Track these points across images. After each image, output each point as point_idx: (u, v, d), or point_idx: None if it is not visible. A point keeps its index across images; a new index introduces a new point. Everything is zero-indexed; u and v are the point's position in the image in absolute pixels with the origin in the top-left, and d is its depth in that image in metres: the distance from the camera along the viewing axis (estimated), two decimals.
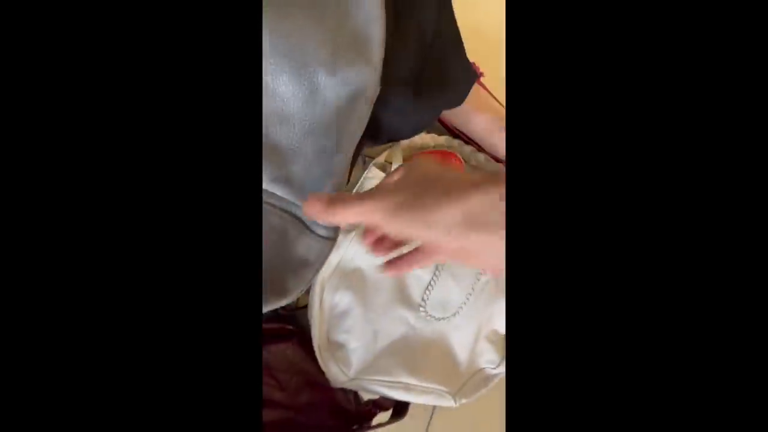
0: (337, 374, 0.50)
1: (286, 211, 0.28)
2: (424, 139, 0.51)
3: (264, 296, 0.29)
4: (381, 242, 0.29)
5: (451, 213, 0.21)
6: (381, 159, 0.47)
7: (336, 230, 0.31)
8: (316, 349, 0.49)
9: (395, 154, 0.47)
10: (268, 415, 0.51)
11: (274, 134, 0.25)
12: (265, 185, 0.27)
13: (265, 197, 0.28)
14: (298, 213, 0.29)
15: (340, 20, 0.23)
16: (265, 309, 0.29)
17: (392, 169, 0.46)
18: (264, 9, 0.22)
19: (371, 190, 0.24)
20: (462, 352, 0.53)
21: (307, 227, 0.30)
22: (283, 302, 0.29)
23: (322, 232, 0.30)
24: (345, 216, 0.24)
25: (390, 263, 0.29)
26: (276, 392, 0.52)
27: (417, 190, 0.22)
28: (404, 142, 0.50)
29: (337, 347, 0.50)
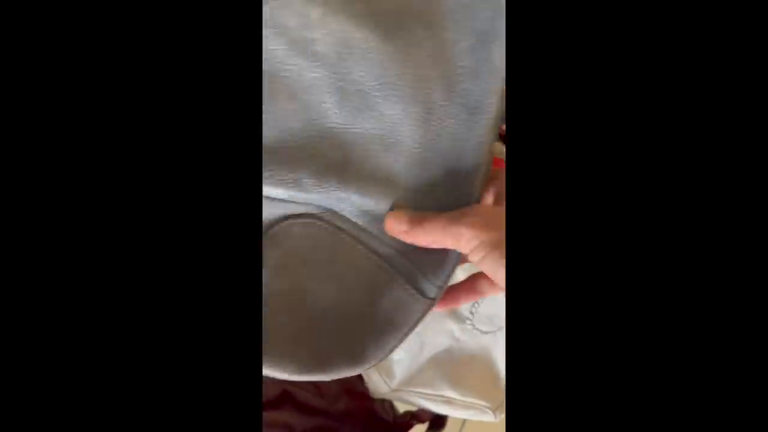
0: (380, 385, 0.49)
1: (378, 254, 0.24)
2: (496, 146, 0.50)
3: (330, 355, 0.24)
4: (454, 294, 0.27)
5: None
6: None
7: (442, 289, 0.25)
8: None
9: None
10: (306, 421, 0.51)
11: (375, 162, 0.23)
12: (355, 217, 0.24)
13: (354, 232, 0.24)
14: (393, 258, 0.24)
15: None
16: (328, 376, 0.24)
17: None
18: (373, 26, 0.21)
19: (464, 212, 0.23)
20: (504, 367, 0.52)
21: (402, 277, 0.25)
22: (356, 371, 0.24)
23: (427, 288, 0.25)
24: (428, 240, 0.23)
25: (446, 296, 0.26)
26: (314, 399, 0.52)
27: None
28: None
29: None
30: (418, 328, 0.41)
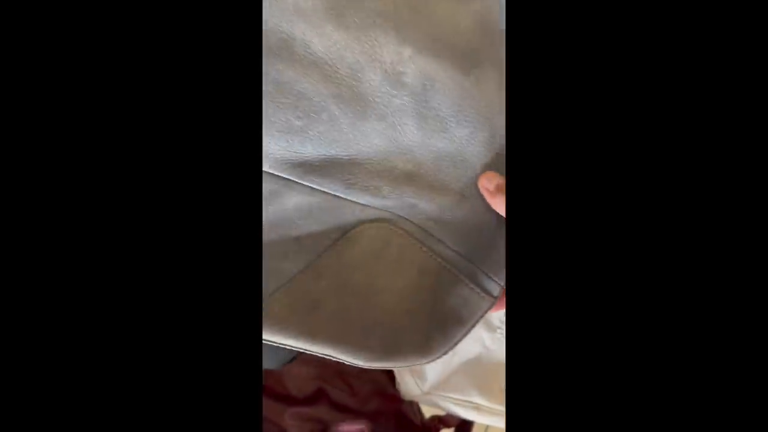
0: (412, 387, 0.52)
1: (442, 257, 0.27)
2: None
3: (399, 346, 0.26)
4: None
5: None
6: None
7: (503, 288, 0.28)
8: None
9: None
10: (337, 418, 0.54)
11: (445, 175, 0.26)
12: (422, 222, 0.27)
13: (421, 236, 0.27)
14: (456, 260, 0.27)
15: None
16: (398, 364, 0.27)
17: None
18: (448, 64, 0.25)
19: None
20: None
21: (467, 277, 0.28)
22: (423, 361, 0.27)
23: (491, 286, 0.28)
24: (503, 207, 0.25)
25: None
26: (347, 398, 0.55)
27: None
28: None
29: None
30: None
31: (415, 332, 0.27)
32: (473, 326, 0.28)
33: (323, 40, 0.23)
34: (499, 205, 0.26)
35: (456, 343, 0.27)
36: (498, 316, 0.51)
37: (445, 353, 0.27)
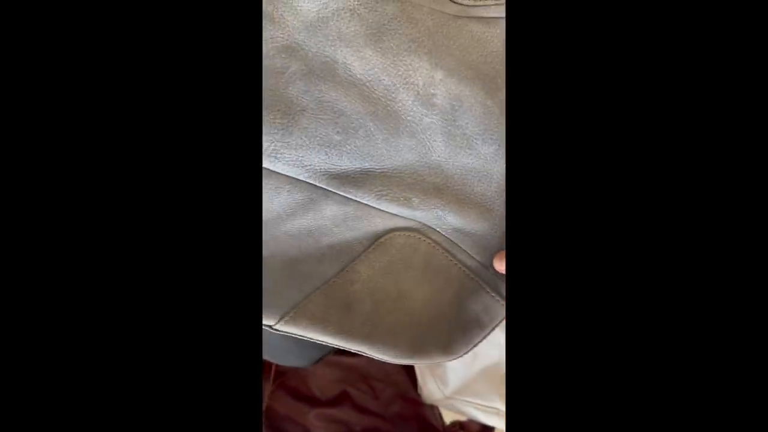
0: (434, 391, 0.54)
1: (466, 266, 0.30)
2: None
3: (425, 345, 0.29)
4: None
5: None
6: None
7: None
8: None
9: None
10: (361, 420, 0.56)
11: (470, 189, 0.29)
12: (449, 233, 0.29)
13: (447, 245, 0.29)
14: (479, 270, 0.30)
15: None
16: (424, 362, 0.30)
17: None
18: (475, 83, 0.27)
19: None
20: None
21: (488, 285, 0.30)
22: (446, 360, 0.30)
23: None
24: None
25: None
26: (370, 401, 0.57)
27: None
28: None
29: (437, 364, 0.54)
30: None
31: (439, 334, 0.30)
32: (492, 330, 0.31)
33: (363, 63, 0.26)
34: None
35: (475, 345, 0.31)
36: None
37: (466, 353, 0.31)
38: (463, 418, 0.57)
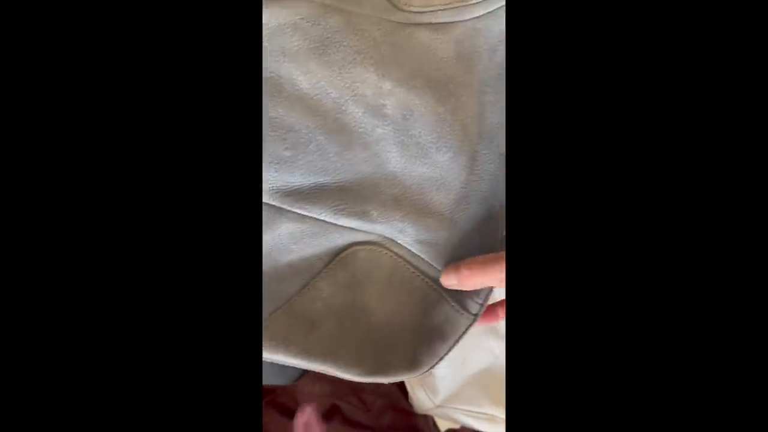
0: (424, 401, 0.53)
1: (429, 277, 0.29)
2: None
3: (389, 361, 0.28)
4: (493, 311, 0.31)
5: None
6: None
7: (483, 306, 0.31)
8: None
9: None
10: None
11: (428, 198, 0.28)
12: (410, 244, 0.29)
13: (409, 257, 0.29)
14: (438, 277, 0.29)
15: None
16: (389, 378, 0.29)
17: None
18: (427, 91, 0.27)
19: (496, 256, 0.27)
20: None
21: (450, 296, 0.30)
22: (411, 375, 0.29)
23: (470, 305, 0.30)
24: (475, 283, 0.27)
25: (486, 313, 0.31)
26: (361, 413, 0.56)
27: None
28: None
29: (426, 374, 0.53)
30: (461, 345, 0.45)
31: (403, 349, 0.29)
32: (456, 342, 0.30)
33: (309, 77, 0.26)
34: (469, 285, 0.28)
35: (441, 358, 0.29)
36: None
37: (432, 368, 0.30)
38: (456, 426, 0.57)
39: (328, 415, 0.56)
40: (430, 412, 0.55)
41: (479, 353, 0.52)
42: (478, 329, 0.52)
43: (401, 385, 0.57)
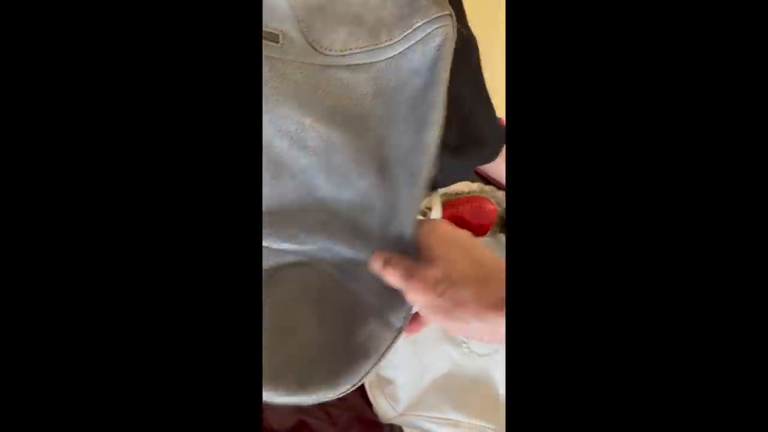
0: (387, 410, 0.55)
1: (356, 294, 0.30)
2: (459, 186, 0.58)
3: (311, 380, 0.28)
4: (417, 321, 0.32)
5: (480, 331, 0.26)
6: (421, 205, 0.54)
7: (407, 319, 0.31)
8: (366, 384, 0.55)
9: (434, 201, 0.53)
10: None
11: (355, 222, 0.31)
12: (339, 263, 0.30)
13: (338, 276, 0.31)
14: (367, 297, 0.31)
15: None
16: (311, 398, 0.28)
17: (431, 216, 0.52)
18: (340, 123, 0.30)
19: (418, 266, 0.29)
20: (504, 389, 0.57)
21: (376, 312, 0.30)
22: (333, 395, 0.29)
23: (394, 319, 0.31)
24: (395, 282, 0.29)
25: (411, 324, 0.32)
26: (327, 427, 0.58)
27: (454, 297, 0.26)
28: (442, 190, 0.57)
29: (386, 383, 0.55)
30: (418, 353, 0.46)
31: (326, 367, 0.30)
32: (381, 358, 0.30)
33: None
34: (390, 277, 0.30)
35: (365, 375, 0.30)
36: None
37: (355, 386, 0.30)
38: None
39: (296, 430, 0.58)
40: (394, 421, 0.57)
41: (437, 360, 0.55)
42: (435, 337, 0.55)
43: (365, 397, 0.59)
